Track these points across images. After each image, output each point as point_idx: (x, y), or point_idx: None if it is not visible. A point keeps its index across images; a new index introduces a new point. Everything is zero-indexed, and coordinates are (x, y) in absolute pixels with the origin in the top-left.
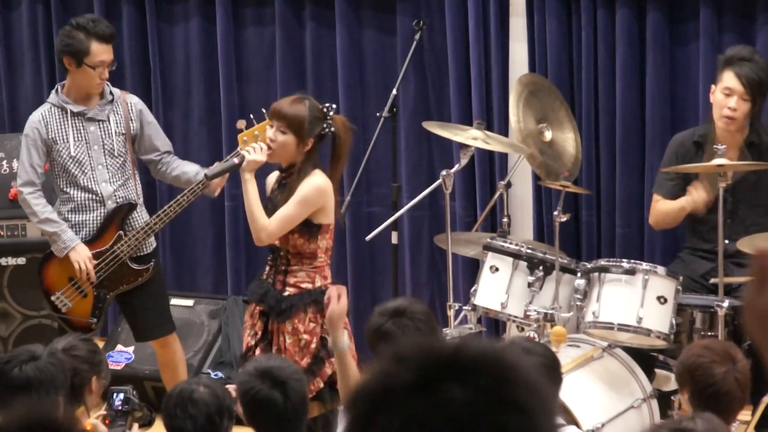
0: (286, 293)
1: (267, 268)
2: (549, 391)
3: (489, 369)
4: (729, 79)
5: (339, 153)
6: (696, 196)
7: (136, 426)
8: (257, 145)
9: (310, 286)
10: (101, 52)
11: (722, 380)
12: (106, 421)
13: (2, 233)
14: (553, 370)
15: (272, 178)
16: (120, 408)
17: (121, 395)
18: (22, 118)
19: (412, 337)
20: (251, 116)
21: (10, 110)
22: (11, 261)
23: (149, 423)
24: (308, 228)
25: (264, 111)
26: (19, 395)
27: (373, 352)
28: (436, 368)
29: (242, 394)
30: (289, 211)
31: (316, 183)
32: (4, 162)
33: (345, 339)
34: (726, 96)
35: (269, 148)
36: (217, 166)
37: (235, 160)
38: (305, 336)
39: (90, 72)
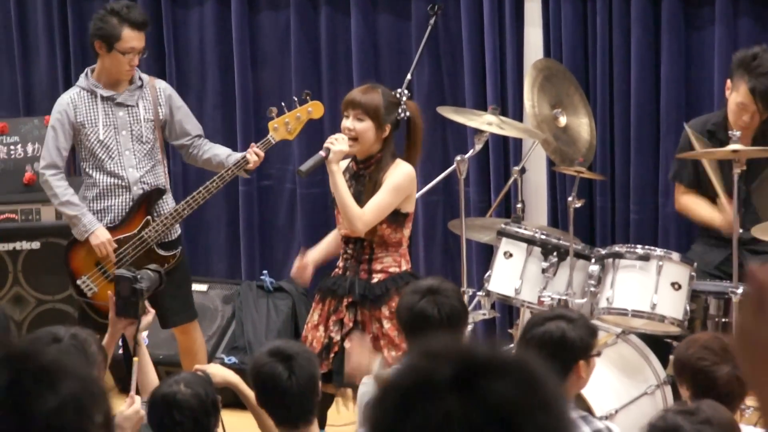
0: (375, 280)
1: (342, 263)
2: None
3: (523, 369)
4: (745, 94)
5: (415, 138)
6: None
7: (150, 311)
8: (340, 135)
9: (397, 269)
10: (132, 38)
11: (725, 383)
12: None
13: (17, 217)
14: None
15: (341, 166)
16: (129, 296)
17: (127, 284)
18: (37, 102)
19: (440, 333)
20: (282, 104)
21: (25, 95)
22: (26, 245)
23: (160, 285)
24: (396, 217)
25: (295, 99)
26: None
27: (407, 331)
28: (473, 365)
29: (251, 372)
30: (383, 199)
31: (407, 170)
32: (19, 146)
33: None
34: (741, 109)
35: (349, 137)
36: (307, 162)
37: (322, 153)
38: None
39: (120, 58)
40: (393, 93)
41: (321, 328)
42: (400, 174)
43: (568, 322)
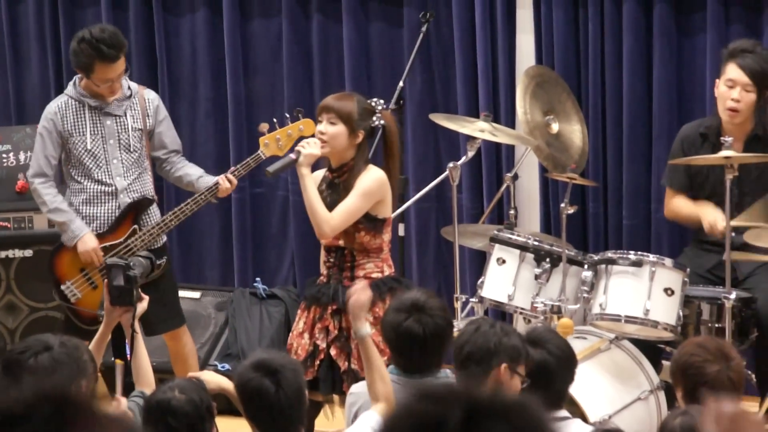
0: None
1: (326, 271)
2: None
3: (524, 411)
4: (731, 70)
5: (391, 147)
6: (714, 225)
7: (144, 298)
8: (311, 139)
9: (380, 274)
10: (106, 71)
11: (714, 379)
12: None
13: (9, 225)
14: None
15: (317, 176)
16: (123, 285)
17: (120, 272)
18: (29, 110)
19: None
20: (274, 120)
21: (17, 103)
22: (18, 253)
23: (153, 271)
24: (373, 223)
25: (287, 116)
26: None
27: (392, 347)
28: (480, 407)
29: (237, 387)
30: (351, 204)
31: (376, 175)
32: (11, 154)
33: (366, 328)
34: (729, 88)
35: (322, 141)
36: (276, 163)
37: (292, 156)
38: None
39: (96, 87)
40: (369, 101)
41: (306, 335)
42: (369, 179)
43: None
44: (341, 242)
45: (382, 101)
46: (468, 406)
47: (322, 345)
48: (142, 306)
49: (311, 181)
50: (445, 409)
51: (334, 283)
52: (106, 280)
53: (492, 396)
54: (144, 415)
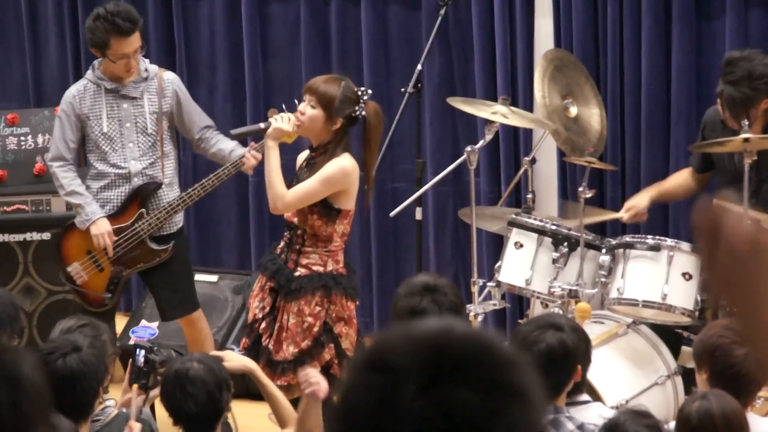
0: (297, 273)
1: (282, 243)
2: (529, 365)
3: (479, 358)
4: (718, 94)
5: (368, 138)
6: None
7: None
8: (285, 114)
9: (321, 269)
10: (122, 45)
11: (742, 362)
12: (133, 391)
13: (27, 208)
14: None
15: (302, 155)
16: (142, 366)
17: (143, 352)
18: (47, 93)
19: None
20: (283, 106)
21: (35, 85)
22: (36, 236)
23: None
24: (328, 211)
25: (297, 102)
26: (63, 387)
27: None
28: (432, 371)
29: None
30: (309, 186)
31: (342, 164)
32: (29, 137)
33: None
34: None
35: (298, 120)
36: (242, 127)
37: (261, 125)
38: (309, 319)
39: (113, 64)
40: (356, 90)
41: (257, 300)
42: (334, 166)
43: (559, 330)
44: (295, 220)
45: (369, 91)
46: (420, 373)
47: (259, 315)
48: (155, 393)
49: (275, 154)
50: (394, 382)
51: (279, 262)
52: (131, 360)
53: (442, 348)
54: (162, 384)
